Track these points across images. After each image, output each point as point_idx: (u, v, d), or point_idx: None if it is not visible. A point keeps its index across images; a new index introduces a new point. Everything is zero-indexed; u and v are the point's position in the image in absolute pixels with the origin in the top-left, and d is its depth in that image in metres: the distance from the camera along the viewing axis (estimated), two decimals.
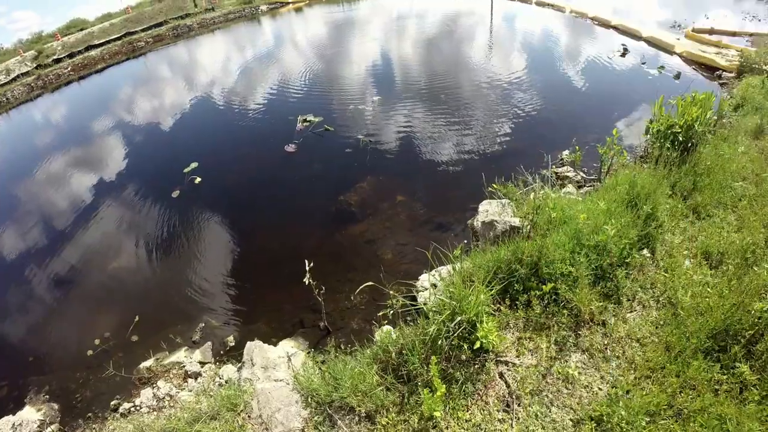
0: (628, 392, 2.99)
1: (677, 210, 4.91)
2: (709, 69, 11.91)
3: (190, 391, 4.52)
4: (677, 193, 5.17)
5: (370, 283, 3.84)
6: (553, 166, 6.89)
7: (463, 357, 3.25)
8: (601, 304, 3.68)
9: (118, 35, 27.87)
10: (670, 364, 3.14)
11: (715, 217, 4.84)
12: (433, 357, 2.97)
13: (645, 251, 4.28)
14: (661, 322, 3.55)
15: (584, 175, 6.79)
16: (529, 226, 4.23)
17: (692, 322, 3.37)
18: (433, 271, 4.21)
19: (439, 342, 3.20)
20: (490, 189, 4.71)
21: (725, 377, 3.01)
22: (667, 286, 3.87)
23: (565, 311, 3.58)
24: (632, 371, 3.19)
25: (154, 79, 19.22)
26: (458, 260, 3.70)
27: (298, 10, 32.64)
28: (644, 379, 3.11)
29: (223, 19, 32.12)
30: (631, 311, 3.70)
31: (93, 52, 25.90)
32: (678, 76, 11.44)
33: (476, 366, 3.30)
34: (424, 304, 3.56)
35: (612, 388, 3.08)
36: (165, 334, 5.41)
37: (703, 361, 3.10)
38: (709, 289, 3.71)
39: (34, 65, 23.78)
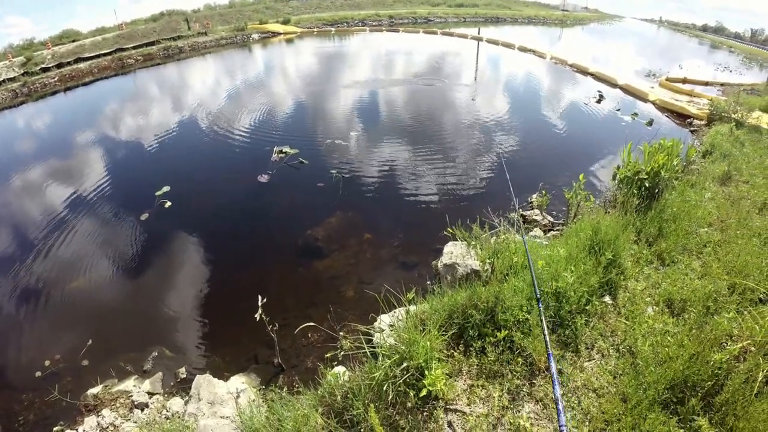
0: None
1: (642, 256, 4.90)
2: (681, 116, 12.31)
3: (135, 422, 4.33)
4: (642, 239, 5.18)
5: (310, 324, 3.70)
6: (521, 210, 6.91)
7: (409, 404, 3.10)
8: (558, 352, 3.57)
9: (109, 50, 28.13)
10: (626, 416, 3.03)
11: (679, 263, 4.84)
12: (371, 405, 2.82)
13: (607, 298, 4.22)
14: (620, 372, 3.45)
15: (552, 219, 6.81)
16: (488, 271, 4.15)
17: (651, 372, 3.28)
18: (391, 312, 4.09)
19: (385, 387, 3.05)
20: (445, 233, 4.65)
21: (682, 431, 2.91)
22: (628, 335, 3.80)
23: (519, 359, 3.46)
24: (587, 423, 3.06)
25: (139, 97, 19.17)
26: (411, 303, 3.60)
27: (289, 41, 33.40)
28: None
29: (214, 44, 32.79)
30: (590, 360, 3.60)
31: (82, 65, 25.97)
32: (650, 122, 11.76)
33: (424, 414, 3.14)
34: (374, 346, 3.43)
35: None
36: (116, 361, 5.16)
37: (660, 413, 2.99)
38: (669, 338, 3.64)
39: (22, 71, 23.61)
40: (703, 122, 11.50)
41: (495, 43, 27.34)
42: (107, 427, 4.29)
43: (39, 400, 4.81)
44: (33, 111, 19.39)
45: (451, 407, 3.20)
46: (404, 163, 9.91)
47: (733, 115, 10.53)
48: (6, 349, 5.67)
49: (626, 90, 15.80)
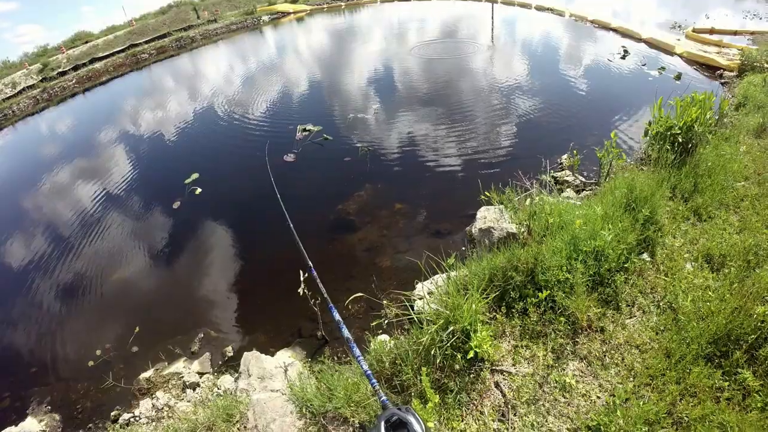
0: (626, 400, 2.93)
1: (678, 212, 4.84)
2: (710, 69, 11.84)
3: (189, 401, 4.54)
4: (678, 195, 5.10)
5: (359, 294, 3.81)
6: (552, 171, 6.85)
7: (457, 367, 3.20)
8: (599, 310, 3.61)
9: (122, 47, 28.26)
10: (670, 371, 3.07)
11: (716, 218, 4.76)
12: (423, 368, 2.92)
13: (645, 255, 4.21)
14: (662, 328, 3.47)
15: (583, 179, 6.73)
16: (524, 233, 4.18)
17: (693, 327, 3.30)
18: (429, 280, 4.17)
19: (432, 352, 3.15)
20: (482, 197, 4.66)
21: (727, 384, 2.93)
22: (668, 291, 3.80)
23: (562, 318, 3.51)
24: (631, 378, 3.12)
25: (157, 90, 19.39)
26: (452, 269, 3.66)
27: (300, 19, 32.96)
28: (644, 387, 3.04)
29: (225, 30, 32.46)
30: (631, 317, 3.63)
31: (97, 65, 26.24)
32: (679, 76, 11.36)
33: (471, 375, 3.24)
34: (418, 313, 3.52)
35: (610, 396, 3.01)
36: (164, 345, 5.42)
37: (704, 368, 3.02)
38: (710, 293, 3.64)
39: (40, 78, 24.09)
40: (733, 73, 11.04)
41: (511, 3, 26.49)
42: (162, 408, 4.47)
43: (94, 388, 5.06)
44: (56, 115, 19.81)
45: (497, 368, 3.29)
46: (428, 131, 9.85)
47: (765, 65, 10.09)
48: (58, 343, 5.95)
49: (651, 44, 15.21)
